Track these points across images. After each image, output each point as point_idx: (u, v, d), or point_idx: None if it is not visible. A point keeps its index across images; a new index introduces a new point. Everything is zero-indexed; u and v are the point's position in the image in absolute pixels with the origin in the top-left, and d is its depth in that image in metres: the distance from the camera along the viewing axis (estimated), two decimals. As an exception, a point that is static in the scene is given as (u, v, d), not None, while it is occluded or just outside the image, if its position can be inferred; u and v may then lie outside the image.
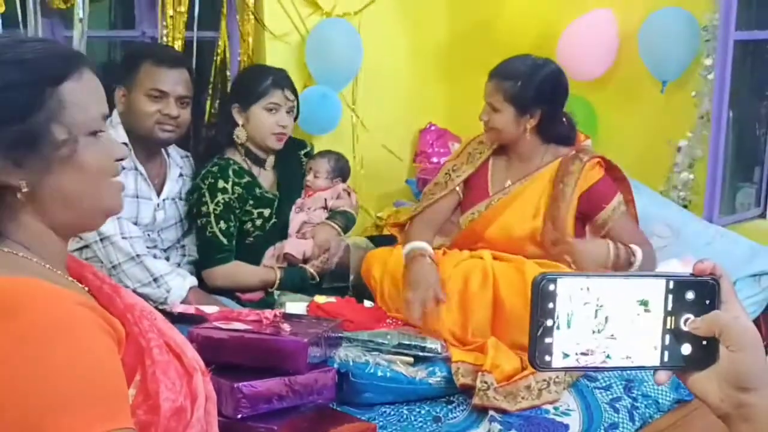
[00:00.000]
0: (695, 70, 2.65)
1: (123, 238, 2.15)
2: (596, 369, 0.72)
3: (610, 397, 1.95)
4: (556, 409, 1.87)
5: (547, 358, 0.71)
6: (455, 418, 1.84)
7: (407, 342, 1.93)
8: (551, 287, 0.70)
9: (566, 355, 0.71)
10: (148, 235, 2.31)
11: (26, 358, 0.74)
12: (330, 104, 2.93)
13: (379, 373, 1.84)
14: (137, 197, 2.27)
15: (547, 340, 0.70)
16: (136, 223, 2.25)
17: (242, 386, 1.46)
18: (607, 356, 0.71)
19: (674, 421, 2.05)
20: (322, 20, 2.95)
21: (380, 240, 2.75)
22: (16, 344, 0.75)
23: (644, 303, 0.71)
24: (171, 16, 2.61)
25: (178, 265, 2.37)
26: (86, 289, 0.95)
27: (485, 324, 2.05)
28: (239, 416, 1.46)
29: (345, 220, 2.60)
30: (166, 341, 0.95)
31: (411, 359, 1.92)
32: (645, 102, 2.80)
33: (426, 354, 1.93)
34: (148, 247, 2.26)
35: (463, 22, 3.32)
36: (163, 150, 2.38)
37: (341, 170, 2.70)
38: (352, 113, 3.10)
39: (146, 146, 2.29)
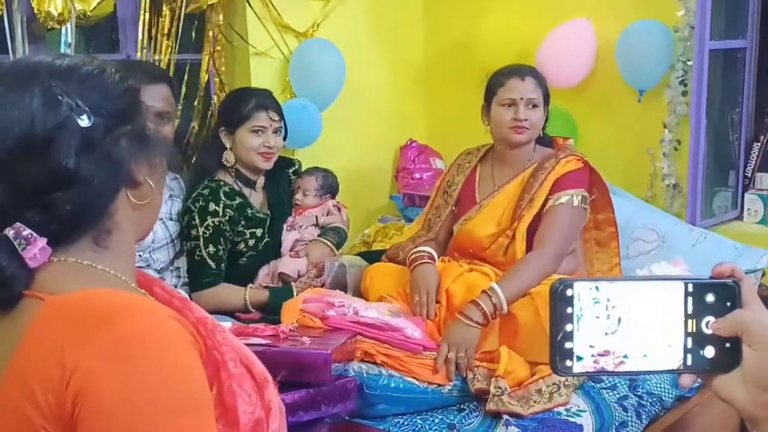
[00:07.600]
0: (670, 80, 2.73)
1: None
2: (617, 373, 0.72)
3: (617, 396, 1.99)
4: (567, 410, 1.88)
5: (568, 363, 0.71)
6: (470, 424, 1.85)
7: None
8: (568, 292, 0.71)
9: (580, 358, 0.71)
10: (140, 255, 2.28)
11: (123, 367, 0.74)
12: (310, 118, 2.93)
13: (392, 384, 1.84)
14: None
15: (567, 345, 0.71)
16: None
17: (270, 399, 1.44)
18: (625, 356, 0.71)
19: (677, 418, 2.10)
20: (303, 41, 2.96)
21: (372, 257, 2.74)
22: (114, 352, 0.74)
23: (662, 306, 0.71)
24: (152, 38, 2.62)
25: (175, 287, 2.34)
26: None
27: (494, 338, 2.05)
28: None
29: (337, 236, 2.60)
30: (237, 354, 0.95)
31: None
32: (623, 111, 2.87)
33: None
34: (141, 267, 2.22)
35: (441, 40, 3.38)
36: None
37: (330, 187, 2.70)
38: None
39: None
